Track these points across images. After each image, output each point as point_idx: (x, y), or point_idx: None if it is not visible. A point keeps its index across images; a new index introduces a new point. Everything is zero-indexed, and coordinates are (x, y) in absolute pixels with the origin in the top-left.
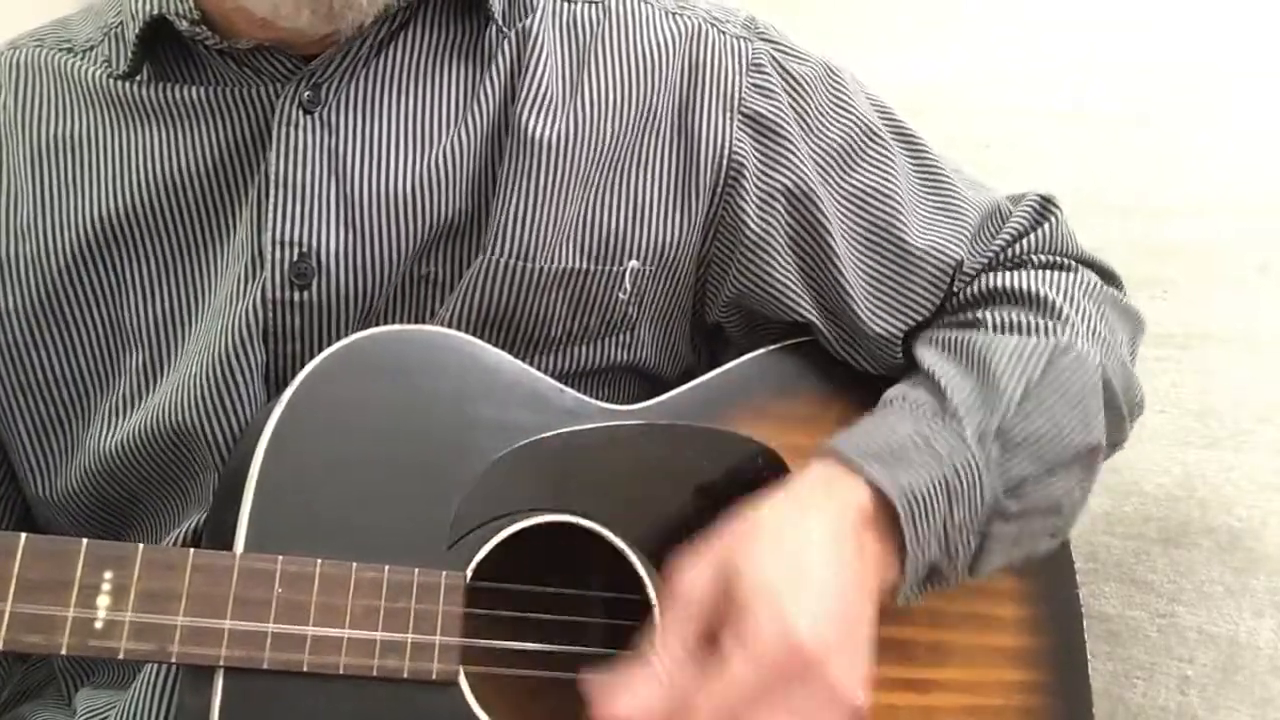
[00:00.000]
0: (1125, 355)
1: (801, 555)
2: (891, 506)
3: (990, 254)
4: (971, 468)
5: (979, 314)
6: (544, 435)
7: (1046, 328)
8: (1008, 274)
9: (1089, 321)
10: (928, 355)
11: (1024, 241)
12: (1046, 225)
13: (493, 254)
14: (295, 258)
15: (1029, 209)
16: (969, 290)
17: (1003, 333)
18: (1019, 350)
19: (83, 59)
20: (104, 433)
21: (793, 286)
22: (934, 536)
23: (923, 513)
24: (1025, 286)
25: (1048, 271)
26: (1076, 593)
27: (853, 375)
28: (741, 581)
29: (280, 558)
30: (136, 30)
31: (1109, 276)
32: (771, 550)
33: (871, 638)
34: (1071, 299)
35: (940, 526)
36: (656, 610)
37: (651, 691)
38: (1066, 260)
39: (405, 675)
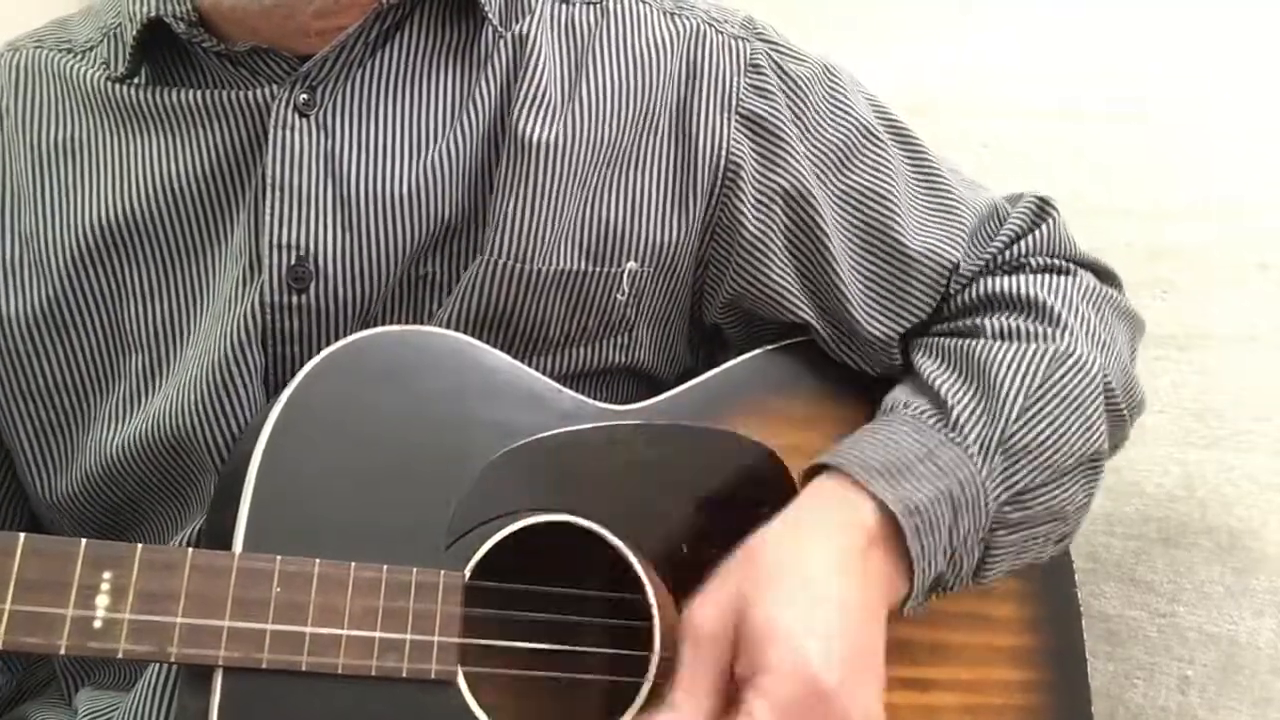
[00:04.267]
0: (1125, 357)
1: (810, 587)
2: (897, 522)
3: (987, 256)
4: (975, 479)
5: (977, 321)
6: (542, 435)
7: (1045, 334)
8: (1005, 278)
9: (1088, 326)
10: (927, 364)
11: (1022, 243)
12: (1044, 227)
13: (491, 255)
14: (293, 261)
15: (1026, 210)
16: (966, 294)
17: (1002, 340)
18: (1019, 358)
19: (82, 60)
20: (104, 436)
21: (790, 287)
22: (939, 549)
23: (928, 527)
24: (1023, 292)
25: (1046, 275)
26: (1075, 592)
27: (850, 375)
28: (753, 616)
29: (279, 558)
30: (134, 32)
31: (1107, 277)
32: (780, 582)
33: (882, 657)
34: (1070, 303)
35: (945, 539)
36: (656, 617)
37: None
38: (1064, 263)
39: (404, 675)
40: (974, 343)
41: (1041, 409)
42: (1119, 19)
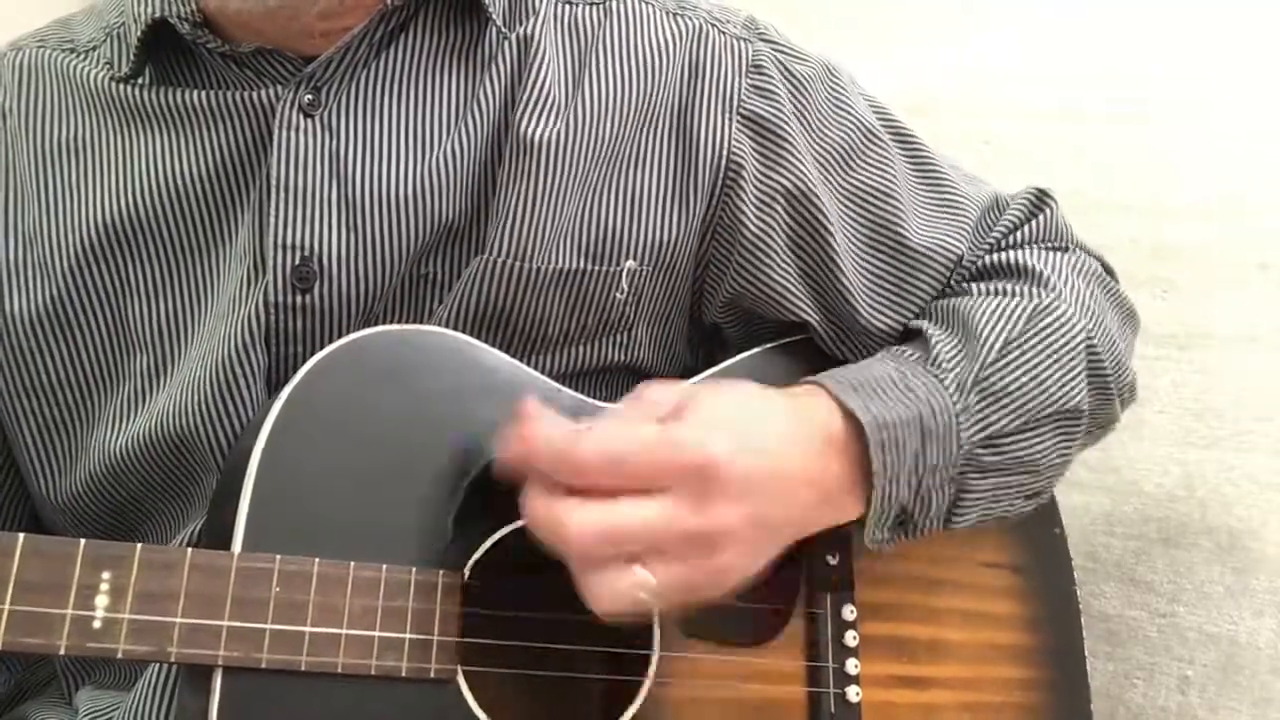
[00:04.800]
0: (1113, 331)
1: (760, 421)
2: (863, 437)
3: (988, 244)
4: (948, 409)
5: (967, 285)
6: None
7: (1031, 294)
8: (1001, 253)
9: (1076, 293)
10: (915, 319)
11: (1022, 230)
12: (1043, 215)
13: (491, 254)
14: (297, 261)
15: (1026, 201)
16: (964, 275)
17: (988, 296)
18: (1000, 307)
19: (85, 60)
20: (108, 436)
21: (791, 286)
22: (905, 473)
23: (893, 444)
24: (1015, 261)
25: (1042, 250)
26: (1074, 589)
27: None
28: (693, 404)
29: (278, 557)
30: (138, 33)
31: (1104, 269)
32: (734, 404)
33: (795, 529)
34: (1060, 272)
35: (911, 463)
36: (655, 615)
37: (565, 432)
38: (1063, 245)
39: (403, 674)
40: (961, 299)
41: (1020, 355)
42: (1120, 20)
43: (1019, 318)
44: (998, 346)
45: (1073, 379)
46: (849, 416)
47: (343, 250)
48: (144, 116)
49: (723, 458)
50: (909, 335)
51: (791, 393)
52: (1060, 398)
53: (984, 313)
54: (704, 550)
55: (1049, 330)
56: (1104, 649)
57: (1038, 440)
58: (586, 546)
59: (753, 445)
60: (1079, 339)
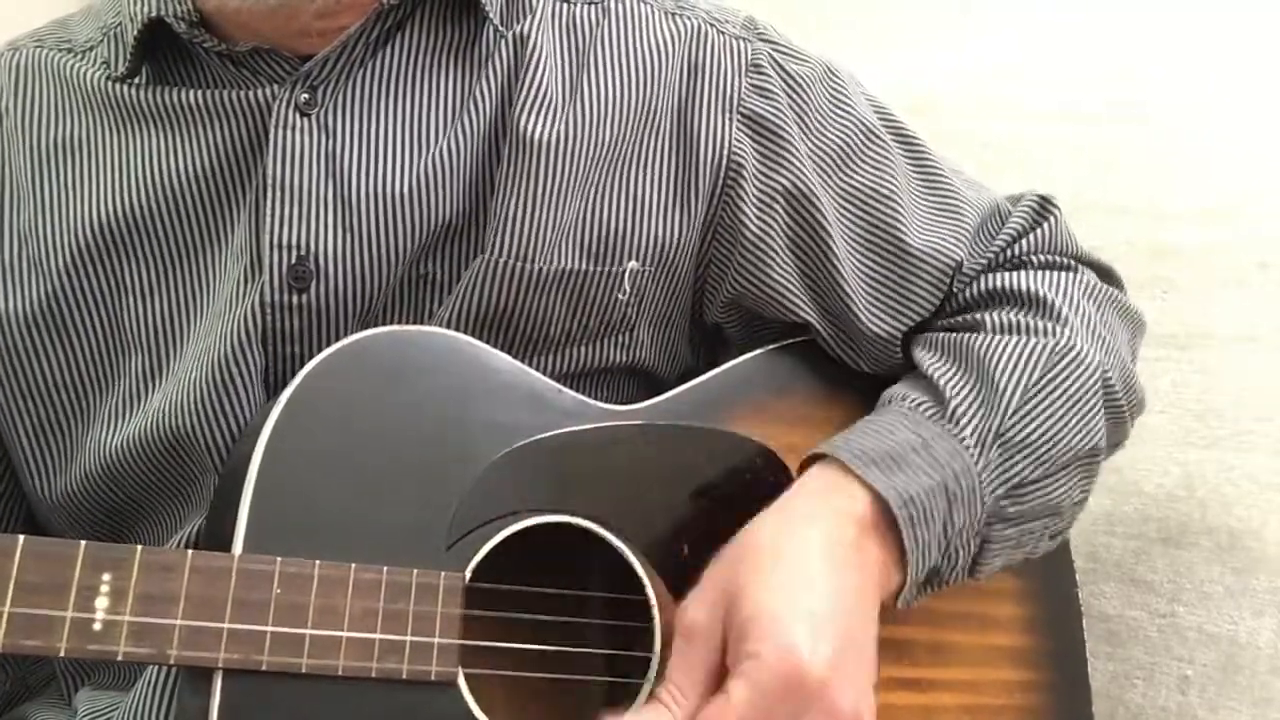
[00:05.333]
0: (1125, 355)
1: (801, 574)
2: (891, 512)
3: (990, 254)
4: (970, 471)
5: (978, 316)
6: (543, 436)
7: (1046, 329)
8: (1007, 275)
9: (1088, 322)
10: (926, 357)
11: (1024, 241)
12: (1046, 225)
13: (492, 254)
14: (293, 260)
15: (1028, 209)
16: (969, 292)
17: (1002, 334)
18: (1018, 351)
19: (82, 60)
20: (103, 435)
21: (791, 287)
22: (934, 541)
23: (922, 518)
24: (1025, 287)
25: (1048, 272)
26: (1076, 591)
27: (851, 374)
28: (742, 606)
29: (279, 559)
30: (135, 32)
31: (1109, 275)
32: (770, 571)
33: (874, 647)
34: (1071, 300)
35: (940, 531)
36: (657, 618)
37: None
38: (1066, 260)
39: (404, 676)
40: (974, 336)
41: (1040, 403)
42: (1119, 21)
43: (1036, 362)
44: (1017, 396)
45: (1092, 421)
46: (876, 496)
47: (339, 249)
48: (140, 116)
49: (806, 661)
50: (915, 365)
51: (812, 489)
52: (1079, 442)
53: (1001, 357)
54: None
55: (1067, 373)
56: (1104, 649)
57: (1059, 485)
58: None
59: (818, 614)
60: (1095, 379)
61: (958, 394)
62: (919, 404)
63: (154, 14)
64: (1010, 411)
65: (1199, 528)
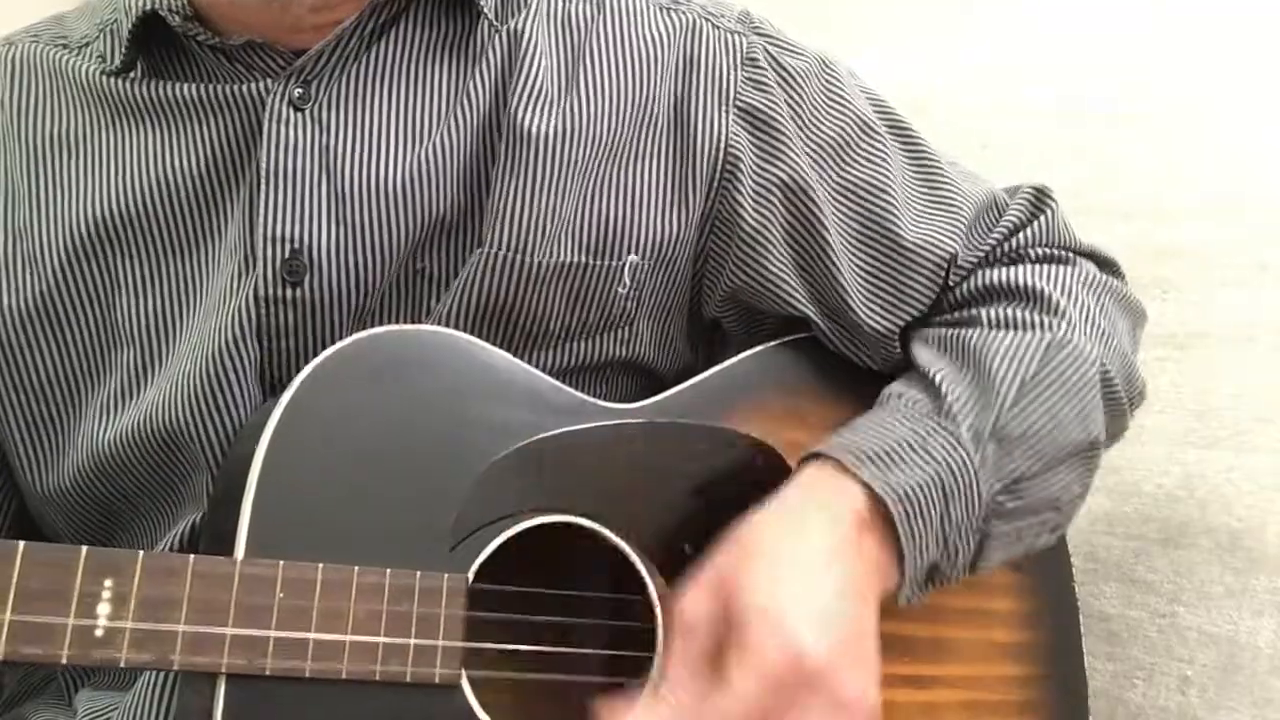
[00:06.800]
0: (1125, 346)
1: (799, 567)
2: (887, 509)
3: (986, 248)
4: (967, 466)
5: (974, 311)
6: (544, 435)
7: (1043, 323)
8: (1004, 269)
9: (1087, 314)
10: (923, 353)
11: (1021, 235)
12: (1043, 218)
13: (490, 248)
14: (287, 254)
15: (1025, 201)
16: (965, 286)
17: (998, 329)
18: (1014, 346)
19: (78, 55)
20: (96, 430)
21: (789, 281)
22: (932, 537)
23: (918, 513)
24: (1022, 281)
25: (1045, 265)
26: (1072, 586)
27: (851, 371)
28: (740, 599)
29: (281, 563)
30: (129, 26)
31: (1108, 266)
32: (769, 565)
33: (876, 641)
34: (1069, 292)
35: (937, 526)
36: (659, 618)
37: (659, 716)
38: (1064, 253)
39: (408, 679)
40: (970, 332)
41: (1037, 397)
42: (1119, 19)
43: (1033, 356)
44: (1014, 391)
45: (1089, 413)
46: (871, 493)
47: (332, 243)
48: (135, 111)
49: (808, 650)
50: (912, 362)
51: (808, 486)
52: (1078, 435)
53: (997, 352)
54: (835, 707)
55: (1064, 366)
56: (1104, 649)
57: (1058, 479)
58: None
59: (817, 606)
60: (1093, 371)
61: (953, 390)
62: (915, 401)
63: (148, 7)
64: (1006, 406)
65: (1199, 528)
